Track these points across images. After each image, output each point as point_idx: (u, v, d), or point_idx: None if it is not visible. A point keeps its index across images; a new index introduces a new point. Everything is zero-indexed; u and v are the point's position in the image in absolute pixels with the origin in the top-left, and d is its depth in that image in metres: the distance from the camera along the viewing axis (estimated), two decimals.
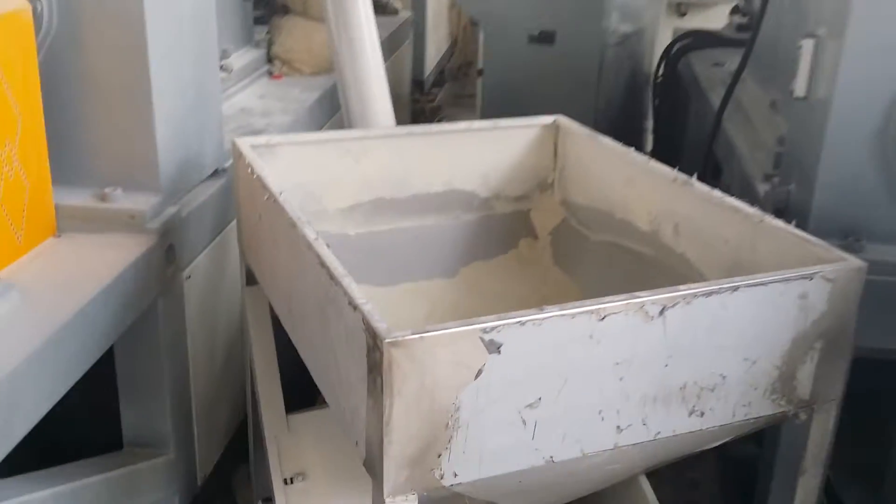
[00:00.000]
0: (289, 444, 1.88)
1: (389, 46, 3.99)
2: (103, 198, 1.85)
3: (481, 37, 3.72)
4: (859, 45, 1.73)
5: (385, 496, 1.17)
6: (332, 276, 1.26)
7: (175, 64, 1.91)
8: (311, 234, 1.38)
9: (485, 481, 1.22)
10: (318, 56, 3.26)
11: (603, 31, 3.52)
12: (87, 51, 1.80)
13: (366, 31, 2.26)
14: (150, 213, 1.85)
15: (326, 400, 1.40)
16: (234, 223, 2.18)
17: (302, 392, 1.89)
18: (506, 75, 3.63)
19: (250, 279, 1.91)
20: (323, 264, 1.30)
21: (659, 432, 1.30)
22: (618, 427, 1.27)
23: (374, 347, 1.12)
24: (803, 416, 1.43)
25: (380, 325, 1.12)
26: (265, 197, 1.59)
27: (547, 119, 2.09)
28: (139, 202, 1.85)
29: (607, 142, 1.95)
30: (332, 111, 3.11)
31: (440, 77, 6.52)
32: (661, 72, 4.27)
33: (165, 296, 1.89)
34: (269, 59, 3.28)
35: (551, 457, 1.25)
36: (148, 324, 1.87)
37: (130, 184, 1.87)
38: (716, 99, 3.08)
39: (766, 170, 2.31)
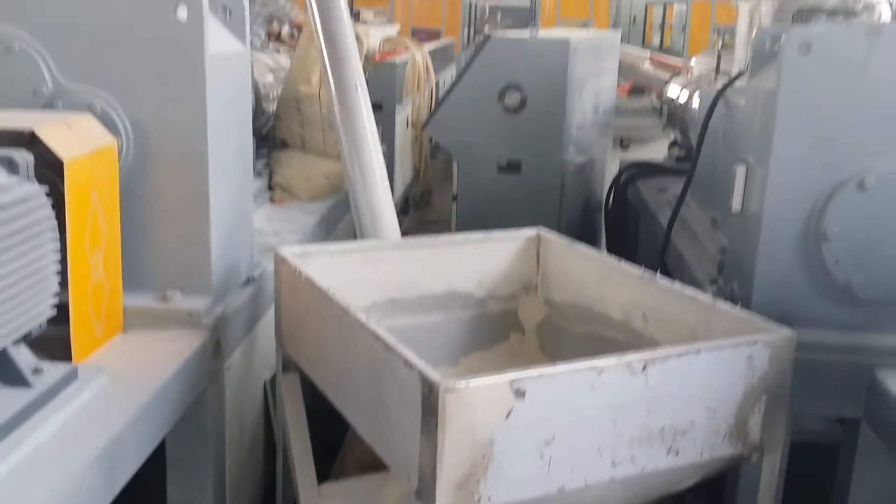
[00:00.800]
0: None
1: None
2: (164, 299, 2.19)
3: (455, 166, 4.18)
4: (781, 168, 2.19)
5: None
6: (387, 346, 1.61)
7: (225, 188, 2.28)
8: (362, 317, 1.73)
9: None
10: (314, 184, 3.67)
11: (562, 161, 4.00)
12: (156, 176, 2.17)
13: (375, 160, 2.68)
14: (203, 312, 2.18)
15: (377, 450, 1.72)
16: (260, 322, 2.52)
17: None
18: (477, 200, 4.07)
19: (286, 367, 2.24)
20: (377, 338, 1.65)
21: (644, 467, 1.65)
22: (612, 462, 1.62)
23: (431, 394, 1.46)
24: (755, 458, 1.79)
25: (435, 376, 1.47)
26: (314, 293, 1.94)
27: (530, 231, 2.50)
28: (195, 303, 2.19)
29: (582, 248, 2.36)
30: (329, 230, 3.50)
31: (405, 205, 6.99)
32: (611, 197, 4.78)
33: (213, 384, 2.20)
34: (270, 188, 3.68)
35: (562, 486, 1.58)
36: (198, 410, 2.16)
37: (187, 287, 2.21)
38: (663, 219, 3.55)
39: (712, 275, 2.75)
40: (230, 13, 2.33)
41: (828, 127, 2.16)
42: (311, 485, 2.18)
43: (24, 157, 1.72)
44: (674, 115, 4.54)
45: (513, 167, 4.02)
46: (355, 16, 17.81)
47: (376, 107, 5.52)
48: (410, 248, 2.42)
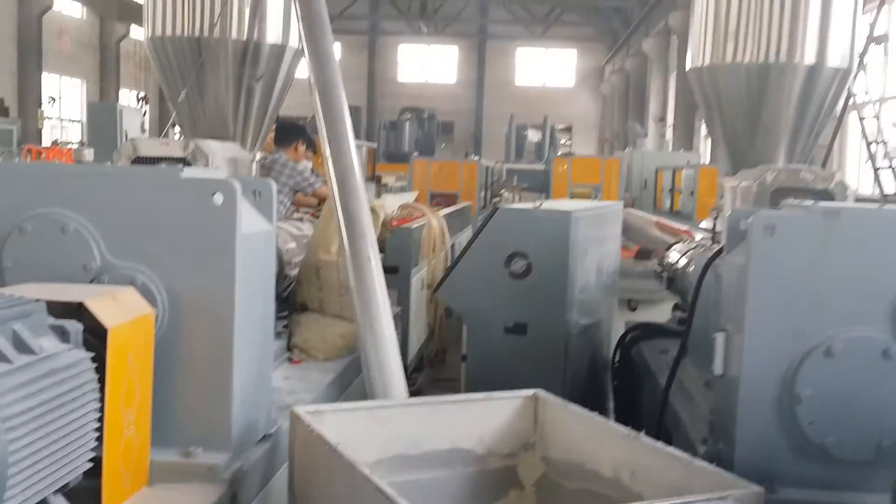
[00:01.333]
0: None
1: None
2: (187, 454, 2.37)
3: (465, 328, 4.40)
4: (755, 336, 2.40)
5: None
6: (389, 498, 1.78)
7: (247, 352, 2.51)
8: (367, 472, 1.91)
9: None
10: (331, 344, 3.89)
11: (566, 323, 4.22)
12: (186, 341, 2.40)
13: (385, 326, 2.92)
14: (222, 467, 2.36)
15: None
16: (275, 476, 2.69)
17: None
18: (486, 360, 4.27)
19: None
20: (381, 492, 1.82)
21: None
22: None
23: None
24: None
25: None
26: (325, 449, 2.13)
27: (528, 392, 2.69)
28: (215, 458, 2.37)
29: (576, 408, 2.54)
30: (344, 388, 3.70)
31: (420, 363, 7.18)
32: (617, 357, 4.96)
33: None
34: (289, 348, 3.91)
35: None
36: None
37: (208, 443, 2.39)
38: (662, 379, 3.73)
39: (704, 435, 2.90)
40: (259, 195, 2.63)
41: (795, 299, 2.38)
42: None
43: (74, 327, 1.96)
44: (673, 280, 4.78)
45: (519, 329, 4.23)
46: (377, 179, 18.58)
47: (393, 270, 5.83)
48: (415, 407, 2.61)
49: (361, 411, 2.54)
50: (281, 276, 3.82)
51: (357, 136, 20.38)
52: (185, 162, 3.29)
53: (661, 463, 2.18)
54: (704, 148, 25.25)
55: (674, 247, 5.34)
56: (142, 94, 26.25)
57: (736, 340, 2.47)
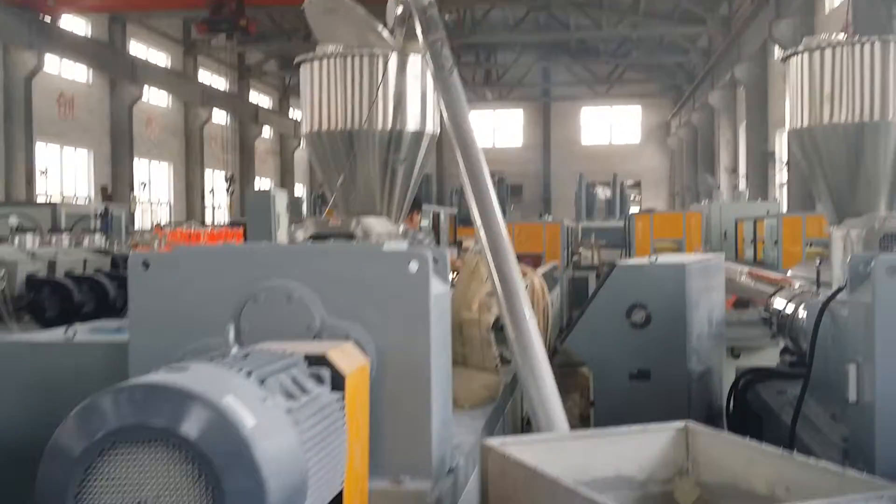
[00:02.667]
0: None
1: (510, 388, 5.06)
2: (398, 482, 2.80)
3: (591, 375, 4.78)
4: (885, 365, 2.74)
5: None
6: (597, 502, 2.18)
7: (439, 395, 2.95)
8: (571, 485, 2.31)
9: None
10: (475, 394, 4.31)
11: (687, 368, 4.57)
12: (391, 386, 2.85)
13: (544, 368, 3.33)
14: (428, 493, 2.78)
15: None
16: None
17: None
18: (613, 403, 4.63)
19: None
20: (590, 500, 2.22)
21: None
22: None
23: None
24: None
25: None
26: (524, 471, 2.53)
27: (679, 424, 3.06)
28: (421, 485, 2.80)
29: (726, 435, 2.90)
30: (491, 432, 4.10)
31: None
32: (731, 401, 5.26)
33: None
34: None
35: None
36: None
37: (414, 472, 2.82)
38: (785, 417, 4.05)
39: (837, 461, 3.22)
40: (437, 262, 3.09)
41: None
42: None
43: (326, 373, 2.43)
44: (782, 325, 5.09)
45: (643, 375, 4.60)
46: (458, 244, 19.11)
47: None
48: (582, 439, 3.00)
49: (539, 443, 2.94)
50: None
51: (429, 202, 20.88)
52: (352, 237, 3.80)
53: (814, 476, 2.52)
54: (780, 196, 25.23)
55: (777, 294, 5.66)
56: (229, 175, 27.58)
57: (867, 369, 2.82)
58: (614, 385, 4.65)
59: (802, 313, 4.74)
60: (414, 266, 2.85)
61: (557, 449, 2.94)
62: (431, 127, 4.48)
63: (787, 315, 5.00)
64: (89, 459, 1.86)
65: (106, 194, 17.46)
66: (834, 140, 4.17)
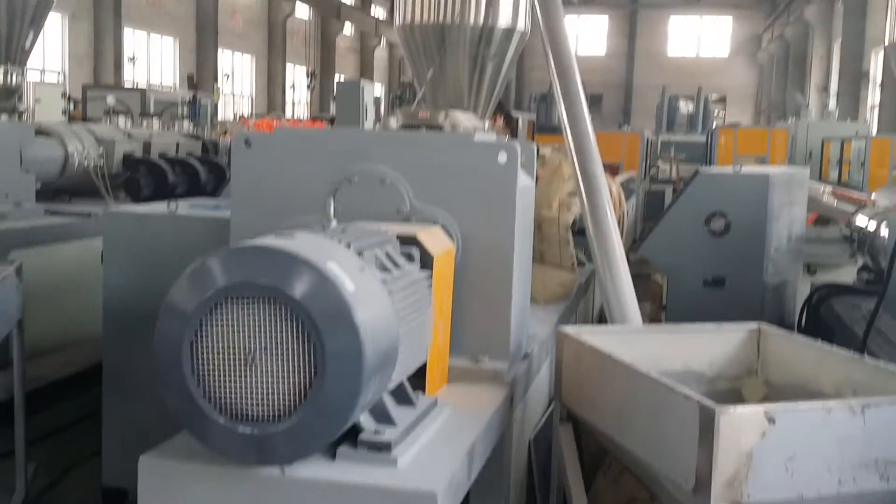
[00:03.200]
0: None
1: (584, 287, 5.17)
2: (477, 361, 2.96)
3: (665, 281, 4.85)
4: None
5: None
6: (669, 388, 2.29)
7: (520, 281, 3.07)
8: (644, 369, 2.43)
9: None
10: (550, 291, 4.43)
11: (762, 278, 4.60)
12: (474, 271, 2.98)
13: (621, 264, 3.42)
14: (505, 373, 2.94)
15: (654, 465, 2.37)
16: (529, 389, 3.24)
17: None
18: (685, 310, 4.71)
19: (563, 419, 2.94)
20: (659, 383, 2.33)
21: (862, 489, 2.22)
22: (839, 480, 2.20)
23: (708, 417, 2.12)
24: None
25: (711, 404, 2.13)
26: (598, 357, 2.65)
27: (752, 325, 3.13)
28: (499, 365, 2.95)
29: (798, 337, 2.97)
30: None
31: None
32: (804, 315, 5.29)
33: (507, 430, 2.93)
34: None
35: (801, 494, 2.18)
36: (497, 450, 2.88)
37: (492, 353, 2.98)
38: (858, 330, 4.08)
39: None
40: (524, 157, 3.16)
41: None
42: None
43: (416, 253, 2.56)
44: (863, 242, 5.06)
45: (718, 282, 4.65)
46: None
47: (580, 231, 6.32)
48: (655, 333, 3.11)
49: (613, 334, 3.05)
50: None
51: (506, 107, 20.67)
52: (440, 129, 3.89)
53: (883, 379, 2.59)
54: (871, 118, 24.31)
55: (860, 212, 5.59)
56: (311, 70, 27.70)
57: None
58: (688, 291, 4.71)
59: (884, 231, 4.70)
60: (503, 157, 2.94)
61: (630, 340, 3.05)
62: (523, 25, 4.49)
63: (869, 232, 4.96)
64: (203, 314, 2.04)
65: (192, 83, 17.79)
66: None
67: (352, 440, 2.21)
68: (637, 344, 3.06)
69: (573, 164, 3.63)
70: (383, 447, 2.19)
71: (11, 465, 3.77)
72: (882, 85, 22.03)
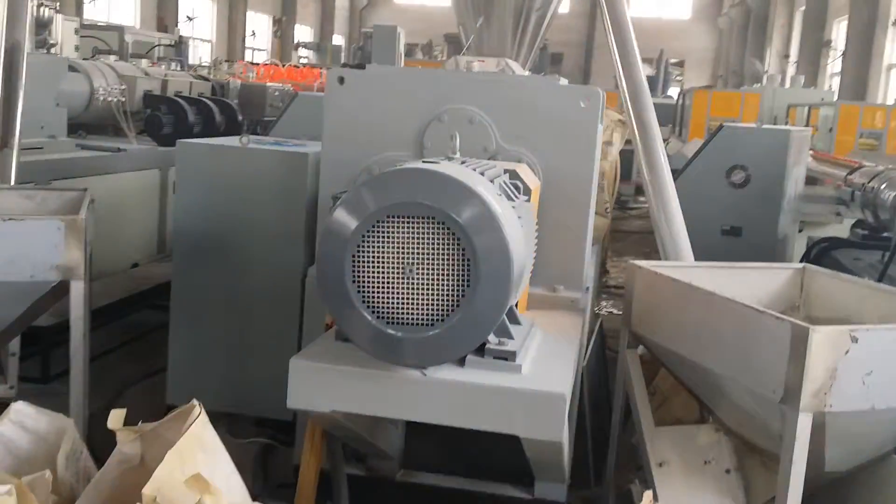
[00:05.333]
0: (657, 445, 3.11)
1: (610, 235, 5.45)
2: (554, 290, 3.22)
3: None
4: None
5: (800, 412, 2.42)
6: (758, 311, 2.58)
7: (592, 220, 3.32)
8: (729, 296, 2.71)
9: (843, 413, 2.46)
10: None
11: (777, 229, 4.93)
12: (555, 207, 3.21)
13: (674, 204, 3.69)
14: (580, 301, 3.20)
15: (742, 381, 2.66)
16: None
17: None
18: (702, 257, 5.00)
19: (630, 344, 3.22)
20: (747, 307, 2.62)
21: None
22: None
23: (800, 336, 2.41)
24: None
25: (804, 324, 2.42)
26: (676, 286, 2.93)
27: (798, 265, 3.44)
28: (573, 294, 3.21)
29: (844, 276, 3.28)
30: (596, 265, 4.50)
31: None
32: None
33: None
34: None
35: (873, 405, 2.49)
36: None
37: (568, 283, 3.23)
38: (867, 279, 4.43)
39: None
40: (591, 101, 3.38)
41: None
42: (650, 427, 3.13)
43: (521, 185, 2.79)
44: (867, 200, 5.41)
45: (735, 231, 4.96)
46: None
47: None
48: (708, 269, 3.39)
49: (675, 268, 3.33)
50: None
51: None
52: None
53: None
54: (832, 86, 24.94)
55: (857, 171, 5.95)
56: (278, 17, 27.29)
57: None
58: (706, 240, 4.99)
59: (886, 188, 5.05)
60: (584, 102, 3.17)
61: (688, 274, 3.33)
62: None
63: (871, 189, 5.31)
64: (365, 229, 2.25)
65: (162, 24, 17.50)
66: None
67: (476, 351, 2.45)
68: (694, 278, 3.34)
69: (628, 111, 3.87)
70: (508, 356, 2.44)
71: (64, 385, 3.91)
72: (844, 53, 22.59)
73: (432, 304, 2.26)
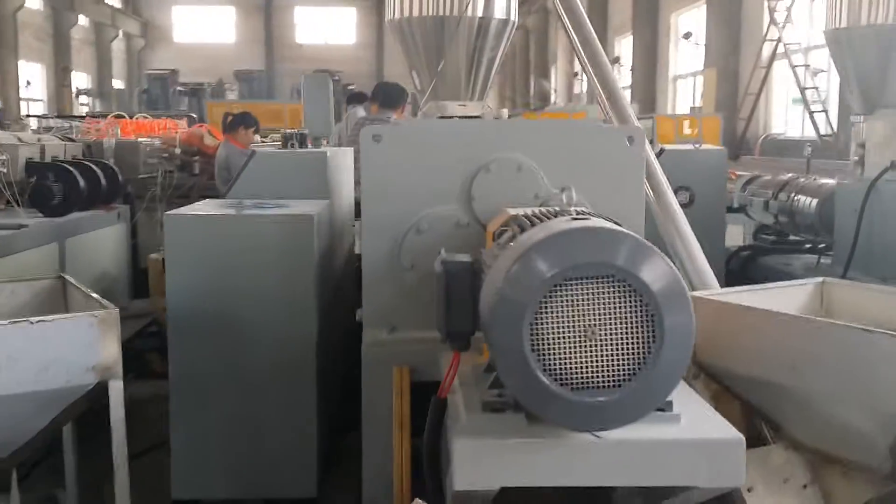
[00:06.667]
0: None
1: None
2: None
3: None
4: None
5: None
6: (865, 330, 2.69)
7: None
8: (830, 321, 2.81)
9: None
10: None
11: (723, 246, 5.17)
12: None
13: (684, 222, 3.78)
14: None
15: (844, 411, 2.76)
16: None
17: None
18: None
19: (695, 375, 3.26)
20: (851, 328, 2.72)
21: None
22: None
23: None
24: None
25: None
26: (743, 310, 3.00)
27: (818, 279, 3.61)
28: None
29: (866, 285, 3.50)
30: None
31: None
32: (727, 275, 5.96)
33: None
34: None
35: None
36: None
37: None
38: None
39: None
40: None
41: None
42: None
43: None
44: (784, 209, 5.79)
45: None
46: None
47: None
48: (744, 292, 3.50)
49: (717, 295, 3.41)
50: None
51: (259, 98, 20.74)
52: (480, 118, 4.04)
53: None
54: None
55: (753, 182, 6.36)
56: (61, 67, 25.56)
57: None
58: None
59: (805, 197, 5.45)
60: (629, 142, 3.20)
61: (737, 299, 3.43)
62: (514, 16, 4.71)
63: (786, 199, 5.71)
64: (548, 287, 2.15)
65: None
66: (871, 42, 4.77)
67: None
68: (743, 302, 3.44)
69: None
70: (666, 406, 2.39)
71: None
72: (633, 69, 24.23)
73: (616, 366, 2.18)
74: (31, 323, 2.73)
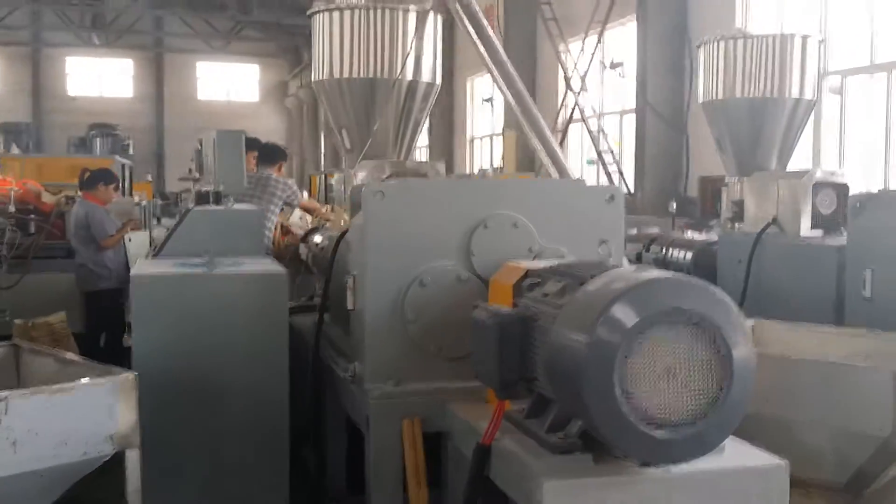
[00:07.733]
0: None
1: None
2: None
3: None
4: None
5: None
6: (856, 366, 3.07)
7: None
8: (833, 359, 3.17)
9: None
10: None
11: None
12: None
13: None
14: None
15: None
16: None
17: None
18: None
19: None
20: (840, 364, 3.10)
21: None
22: None
23: None
24: None
25: None
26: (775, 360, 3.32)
27: (750, 321, 4.02)
28: None
29: (794, 324, 3.94)
30: None
31: None
32: None
33: None
34: None
35: None
36: None
37: None
38: None
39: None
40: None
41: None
42: None
43: None
44: (657, 260, 6.29)
45: None
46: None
47: None
48: None
49: None
50: None
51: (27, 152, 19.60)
52: (426, 175, 4.17)
53: (885, 346, 3.64)
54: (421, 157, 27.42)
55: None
56: None
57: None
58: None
59: (678, 250, 5.98)
60: (611, 198, 3.46)
61: None
62: (438, 79, 4.90)
63: (659, 250, 6.23)
64: (637, 331, 2.32)
65: None
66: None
67: None
68: None
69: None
70: None
71: None
72: (430, 130, 25.07)
73: (693, 404, 2.38)
74: (51, 393, 2.53)
